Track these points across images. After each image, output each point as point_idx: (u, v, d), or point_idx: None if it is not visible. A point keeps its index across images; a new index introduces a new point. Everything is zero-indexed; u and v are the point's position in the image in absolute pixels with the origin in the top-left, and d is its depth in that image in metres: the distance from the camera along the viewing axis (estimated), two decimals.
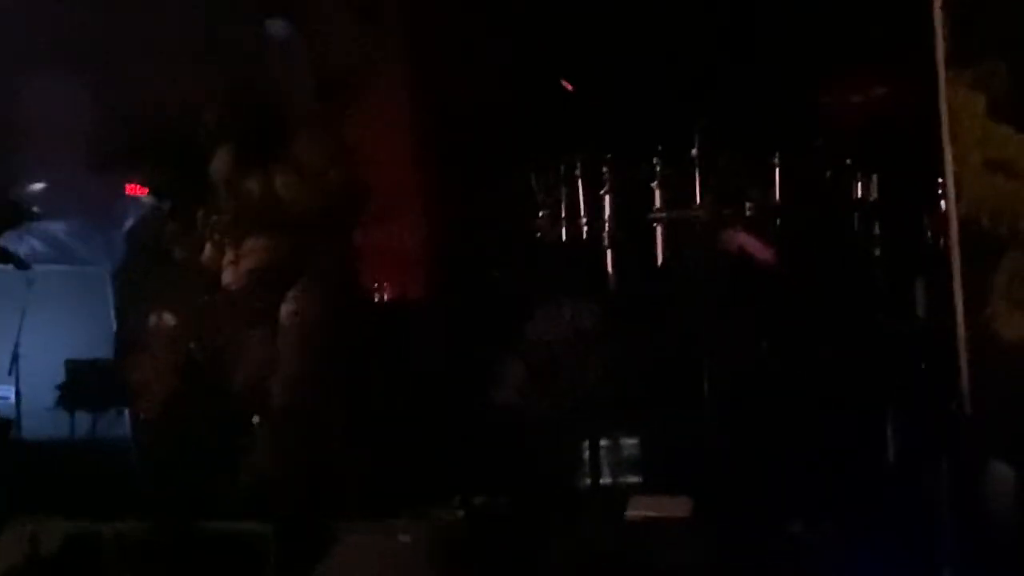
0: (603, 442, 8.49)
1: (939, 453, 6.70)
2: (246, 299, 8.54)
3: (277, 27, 9.29)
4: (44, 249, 10.93)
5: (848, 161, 9.18)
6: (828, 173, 9.16)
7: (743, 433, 8.18)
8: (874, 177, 9.10)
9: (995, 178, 6.47)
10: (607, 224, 9.36)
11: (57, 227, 11.00)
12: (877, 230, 9.10)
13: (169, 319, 8.82)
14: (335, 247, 8.65)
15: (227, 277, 8.62)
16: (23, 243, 10.53)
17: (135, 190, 10.20)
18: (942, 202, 7.23)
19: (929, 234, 8.55)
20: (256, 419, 8.29)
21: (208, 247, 8.71)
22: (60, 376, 10.74)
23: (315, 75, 9.18)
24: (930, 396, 7.32)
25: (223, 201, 8.80)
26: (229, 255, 8.62)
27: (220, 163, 8.80)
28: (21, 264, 10.26)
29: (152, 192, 9.57)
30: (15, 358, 10.37)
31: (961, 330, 6.46)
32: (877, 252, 8.94)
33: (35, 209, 10.33)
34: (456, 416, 8.47)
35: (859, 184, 9.17)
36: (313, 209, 8.63)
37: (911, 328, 8.04)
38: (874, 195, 9.13)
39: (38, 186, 10.33)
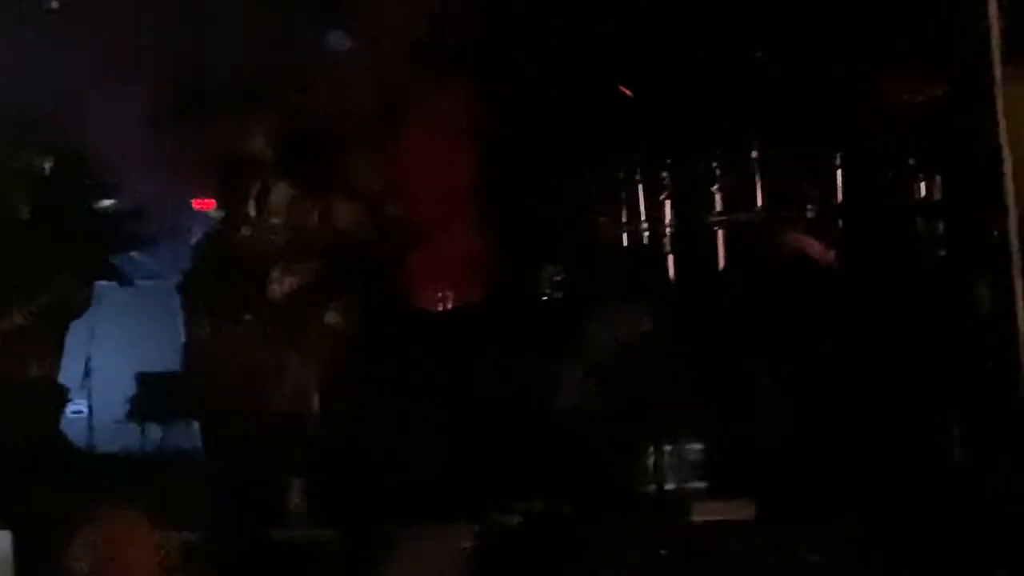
0: (664, 446, 8.49)
1: (1003, 450, 6.66)
2: (287, 315, 8.67)
3: (332, 38, 9.39)
4: (118, 268, 11.09)
5: (910, 161, 9.10)
6: (889, 174, 9.08)
7: (806, 436, 8.15)
8: (936, 177, 9.02)
9: None
10: (667, 228, 9.34)
11: (130, 243, 11.15)
12: (940, 230, 9.01)
13: (228, 331, 8.94)
14: (385, 261, 8.77)
15: (274, 292, 8.76)
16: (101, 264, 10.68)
17: (202, 204, 10.31)
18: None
19: (991, 233, 8.46)
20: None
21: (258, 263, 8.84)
22: (131, 389, 10.91)
23: (376, 101, 9.28)
24: (994, 394, 7.27)
25: (279, 225, 8.95)
26: (276, 271, 8.76)
27: (279, 194, 8.96)
28: (125, 280, 10.42)
29: (217, 207, 9.66)
30: (87, 372, 10.54)
31: (1022, 327, 6.40)
32: (940, 252, 8.85)
33: (130, 235, 10.49)
34: (516, 422, 8.50)
35: (921, 184, 9.08)
36: (367, 236, 8.78)
37: (974, 327, 7.97)
38: (936, 195, 9.05)
39: (107, 203, 10.46)
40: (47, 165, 9.62)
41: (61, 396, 9.70)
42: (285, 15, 9.24)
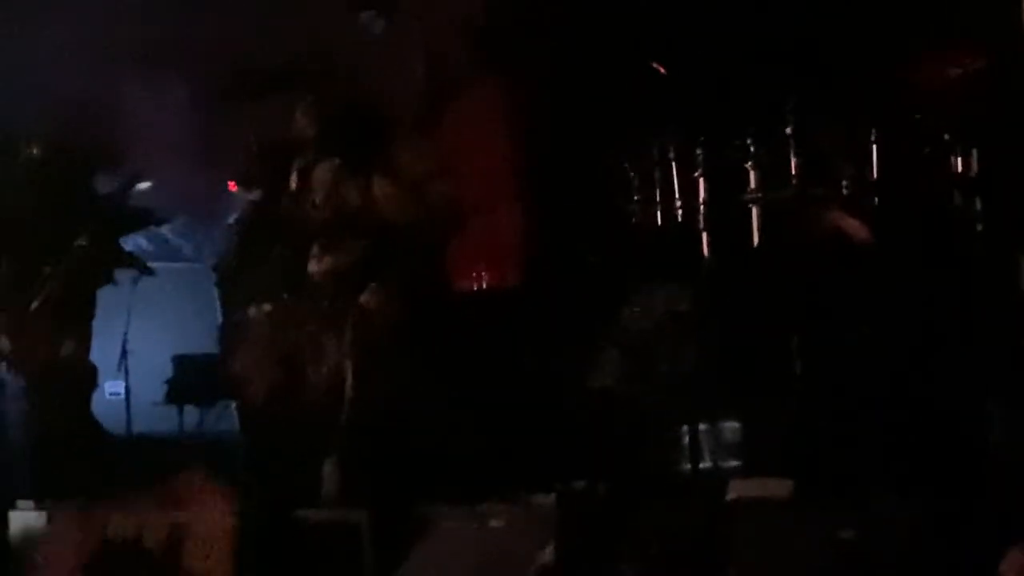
0: (700, 426, 8.46)
1: None
2: (325, 295, 8.68)
3: (372, 20, 9.40)
4: (150, 247, 11.16)
5: (946, 136, 9.00)
6: (926, 149, 9.00)
7: (843, 415, 8.10)
8: (973, 152, 8.92)
9: None
10: (701, 207, 9.29)
11: (163, 226, 11.22)
12: (977, 206, 8.92)
13: (266, 312, 8.96)
14: (424, 241, 8.76)
15: (312, 266, 8.76)
16: (130, 242, 10.75)
17: (237, 187, 10.34)
18: None
19: None
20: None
21: (298, 243, 8.85)
22: (168, 372, 10.98)
23: (419, 82, 9.29)
24: None
25: (321, 203, 8.95)
26: (316, 251, 8.76)
27: (322, 172, 8.96)
28: (145, 268, 10.47)
29: (251, 189, 9.68)
30: (124, 354, 10.62)
31: None
32: (978, 228, 8.76)
33: (151, 211, 10.53)
34: (552, 402, 8.50)
35: (958, 159, 8.99)
36: (409, 218, 8.77)
37: (1012, 306, 7.90)
38: (973, 170, 8.95)
39: (144, 185, 10.51)
40: (78, 143, 9.68)
41: (93, 376, 9.78)
42: None
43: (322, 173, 8.92)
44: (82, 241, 9.76)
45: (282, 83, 9.33)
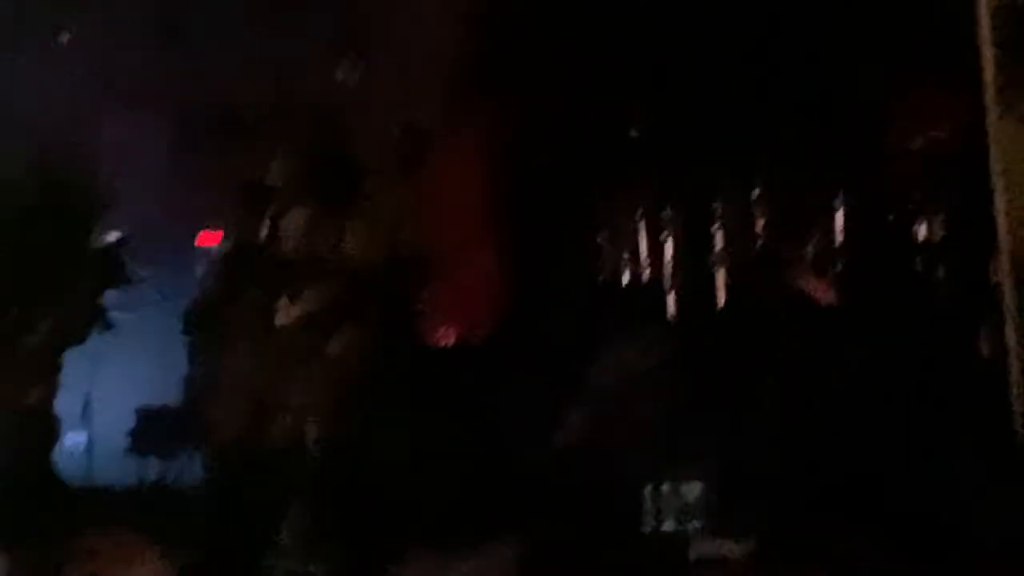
0: (665, 483, 8.48)
1: (998, 485, 6.66)
2: (295, 340, 8.68)
3: (348, 69, 9.47)
4: (117, 296, 11.10)
5: (910, 203, 9.13)
6: (890, 215, 9.12)
7: (807, 476, 8.14)
8: (937, 218, 9.05)
9: None
10: (668, 267, 9.37)
11: (134, 275, 11.16)
12: (940, 272, 9.04)
13: (233, 361, 8.95)
14: (393, 294, 8.79)
15: (280, 319, 8.77)
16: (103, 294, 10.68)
17: (207, 238, 10.33)
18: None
19: (987, 274, 8.49)
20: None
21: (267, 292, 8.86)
22: (131, 422, 10.90)
23: (391, 129, 9.35)
24: (988, 434, 7.28)
25: (292, 251, 8.95)
26: (284, 298, 8.77)
27: (295, 220, 8.97)
28: (107, 325, 10.42)
29: (222, 237, 9.68)
30: (87, 404, 10.53)
31: (1014, 363, 6.42)
32: (938, 292, 8.87)
33: (133, 267, 10.49)
34: (518, 455, 8.51)
35: (922, 226, 9.11)
36: (379, 266, 8.80)
37: (970, 367, 7.99)
38: (937, 236, 9.08)
39: (113, 235, 10.48)
40: (53, 192, 9.65)
41: (56, 426, 9.70)
42: (300, 44, 9.32)
43: (294, 221, 8.94)
44: (59, 295, 9.71)
45: (256, 131, 9.36)
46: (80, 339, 9.71)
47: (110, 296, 10.50)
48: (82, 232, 9.76)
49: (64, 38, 9.98)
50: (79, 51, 9.56)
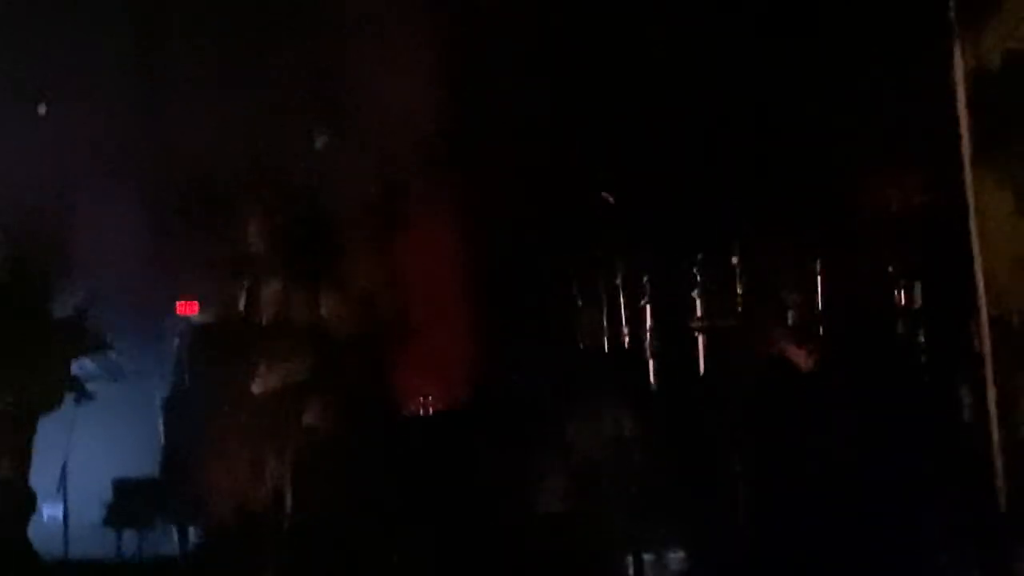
0: (644, 550, 8.42)
1: (978, 553, 6.60)
2: (269, 413, 8.64)
3: (324, 139, 9.48)
4: (93, 367, 11.03)
5: (890, 268, 9.12)
6: (869, 280, 9.10)
7: (790, 542, 8.08)
8: (916, 284, 9.03)
9: None
10: (648, 333, 9.34)
11: (110, 346, 11.10)
12: (921, 337, 9.01)
13: (209, 432, 8.90)
14: (371, 362, 8.77)
15: (256, 387, 8.73)
16: (76, 363, 10.62)
17: (184, 308, 10.29)
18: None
19: (968, 338, 8.47)
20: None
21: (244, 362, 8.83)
22: (108, 494, 10.80)
23: (365, 197, 9.34)
24: (973, 498, 7.23)
25: (269, 322, 8.94)
26: (261, 370, 8.73)
27: (271, 290, 8.96)
28: (84, 393, 10.34)
29: (198, 308, 9.65)
30: (64, 475, 10.43)
31: (995, 430, 6.38)
32: (918, 358, 8.84)
33: (99, 333, 10.42)
34: (497, 523, 8.44)
35: (901, 291, 9.10)
36: (355, 335, 8.78)
37: (952, 432, 7.95)
38: (917, 302, 9.06)
39: (95, 308, 10.42)
40: (27, 262, 9.61)
41: (32, 499, 9.61)
42: (275, 115, 9.33)
43: (271, 291, 8.92)
44: (29, 363, 9.64)
45: (232, 201, 9.35)
46: (51, 408, 9.63)
47: (85, 366, 10.44)
48: (50, 300, 9.71)
49: (42, 108, 9.98)
50: (55, 121, 9.54)
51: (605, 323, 9.56)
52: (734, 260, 9.11)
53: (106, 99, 9.56)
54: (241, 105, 9.33)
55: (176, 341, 10.12)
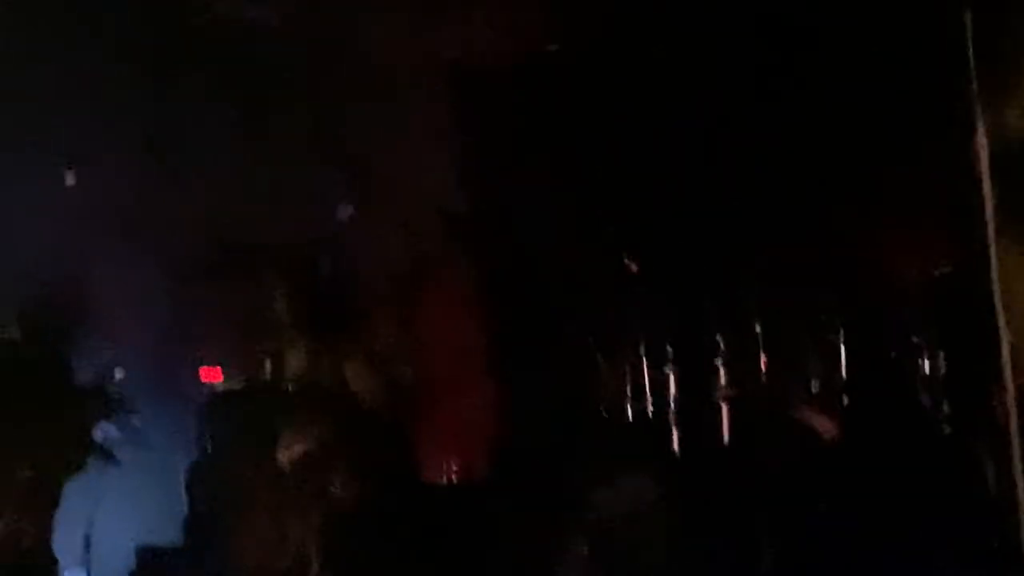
0: None
1: None
2: (293, 482, 8.65)
3: (346, 208, 9.54)
4: (118, 434, 11.06)
5: (914, 338, 9.12)
6: (893, 349, 9.11)
7: None
8: (940, 354, 9.03)
9: None
10: (671, 402, 9.35)
11: (133, 413, 11.13)
12: (945, 408, 8.99)
13: (233, 501, 8.90)
14: (395, 429, 8.78)
15: (282, 457, 8.74)
16: (98, 429, 10.65)
17: (208, 374, 10.33)
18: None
19: (996, 409, 8.44)
20: None
21: (269, 431, 8.84)
22: (132, 562, 10.79)
23: (389, 265, 9.39)
24: (997, 571, 7.18)
25: (293, 390, 8.98)
26: (286, 439, 8.76)
27: (296, 358, 9.00)
28: (111, 459, 10.37)
29: (223, 374, 9.68)
30: (87, 544, 10.44)
31: (1021, 501, 6.35)
32: (944, 429, 8.82)
33: (126, 399, 10.46)
34: None
35: (926, 361, 9.09)
36: (379, 403, 8.81)
37: (978, 506, 7.91)
38: (941, 372, 9.05)
39: (119, 374, 10.46)
40: (49, 326, 9.66)
41: (54, 568, 9.61)
42: (300, 181, 9.40)
43: (296, 359, 8.97)
44: (51, 429, 9.67)
45: (256, 268, 9.40)
46: (73, 474, 9.66)
47: (108, 431, 10.47)
48: (71, 364, 9.76)
49: (71, 177, 10.05)
50: (80, 187, 9.62)
51: (628, 391, 9.56)
52: (757, 328, 9.12)
53: (131, 165, 9.64)
54: (266, 173, 9.40)
55: (199, 408, 10.14)
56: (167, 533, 10.46)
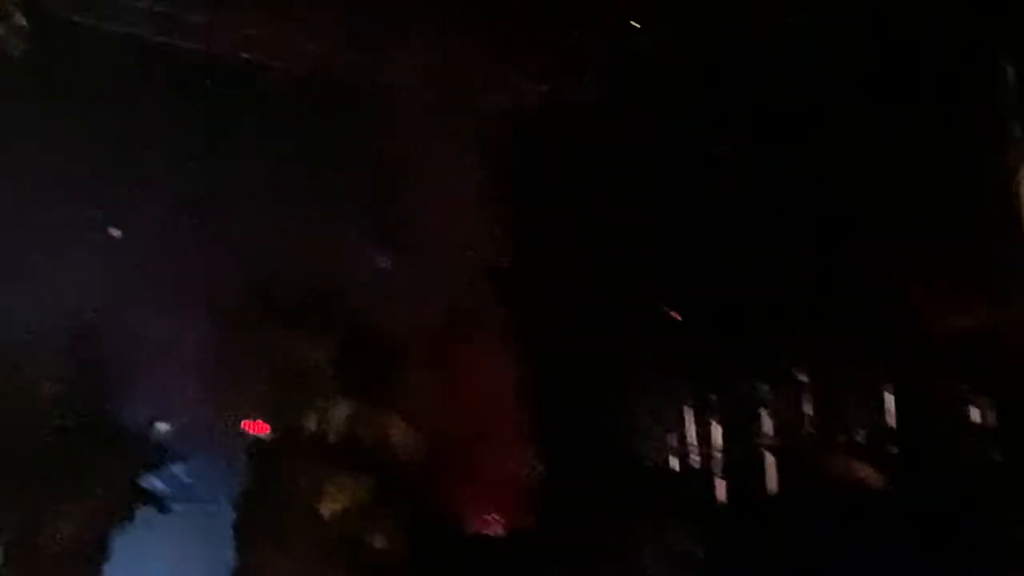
0: None
1: None
2: (340, 531, 8.65)
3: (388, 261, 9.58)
4: (165, 487, 11.08)
5: (963, 386, 9.03)
6: (941, 398, 9.01)
7: None
8: (988, 401, 8.93)
9: None
10: (717, 452, 9.30)
11: (178, 466, 11.16)
12: (995, 456, 8.88)
13: (278, 552, 8.90)
14: (436, 482, 8.78)
15: (325, 509, 8.76)
16: (145, 482, 10.67)
17: (252, 426, 10.35)
18: None
19: None
20: None
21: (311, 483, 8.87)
22: None
23: (430, 321, 9.41)
24: None
25: (335, 442, 8.99)
26: (330, 490, 8.77)
27: (339, 412, 9.03)
28: (162, 506, 10.39)
29: (266, 427, 9.70)
30: None
31: None
32: (994, 477, 8.70)
33: (167, 450, 10.49)
34: None
35: (975, 410, 8.99)
36: (420, 456, 8.81)
37: None
38: (990, 420, 8.94)
39: (163, 427, 10.49)
40: (93, 378, 9.72)
41: None
42: (342, 236, 9.44)
43: (338, 412, 8.99)
44: (98, 481, 9.70)
45: (299, 323, 9.44)
46: (119, 523, 9.67)
47: (153, 484, 10.50)
48: (115, 416, 9.80)
49: (117, 232, 10.14)
50: (126, 244, 9.70)
51: (674, 442, 9.52)
52: (803, 378, 9.06)
53: (175, 222, 9.72)
54: (307, 228, 9.46)
55: (245, 459, 10.16)
56: None
